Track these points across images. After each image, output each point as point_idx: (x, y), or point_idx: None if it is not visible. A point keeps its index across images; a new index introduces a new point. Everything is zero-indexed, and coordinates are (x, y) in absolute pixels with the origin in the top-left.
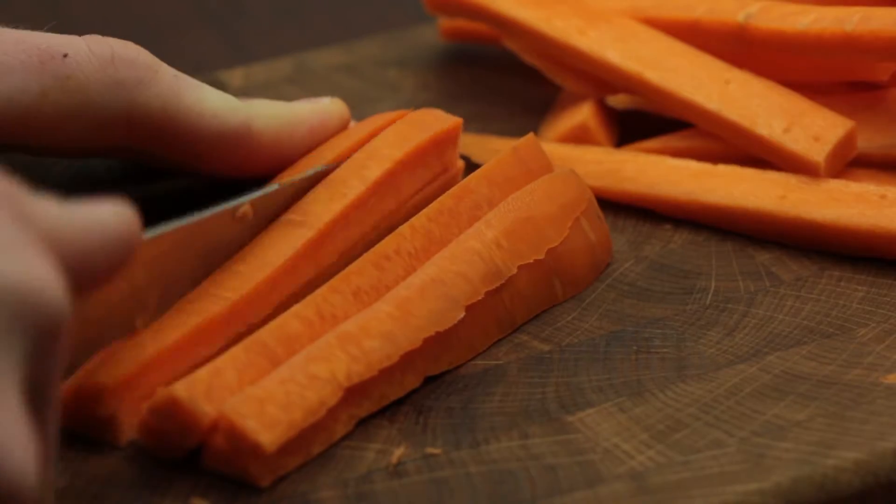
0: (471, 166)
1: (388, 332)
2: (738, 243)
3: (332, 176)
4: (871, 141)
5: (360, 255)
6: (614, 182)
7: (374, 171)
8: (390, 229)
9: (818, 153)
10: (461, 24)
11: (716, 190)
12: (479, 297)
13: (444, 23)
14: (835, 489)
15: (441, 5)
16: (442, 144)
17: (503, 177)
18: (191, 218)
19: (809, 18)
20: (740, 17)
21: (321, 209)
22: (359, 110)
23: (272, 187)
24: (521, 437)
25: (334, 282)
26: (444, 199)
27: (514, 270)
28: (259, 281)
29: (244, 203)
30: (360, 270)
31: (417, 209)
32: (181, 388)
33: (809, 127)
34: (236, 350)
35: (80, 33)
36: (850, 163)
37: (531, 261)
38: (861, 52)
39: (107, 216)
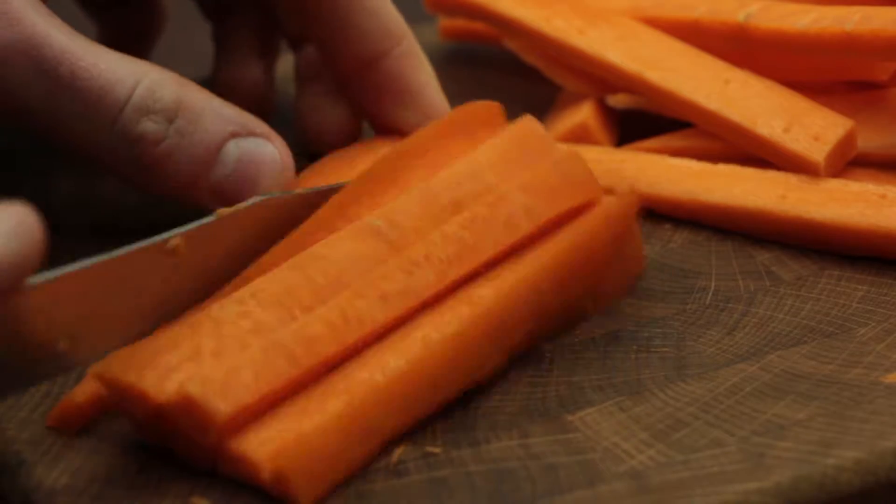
0: None
1: (438, 377)
2: (738, 243)
3: (425, 190)
4: (871, 141)
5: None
6: (614, 182)
7: (470, 196)
8: None
9: (818, 153)
10: (461, 23)
11: (716, 190)
12: (527, 345)
13: (444, 22)
14: (835, 488)
15: (441, 4)
16: None
17: (542, 186)
18: (115, 252)
19: (809, 18)
20: (740, 16)
21: (410, 229)
22: None
23: (207, 218)
24: (521, 436)
25: (360, 286)
26: (477, 208)
27: (559, 309)
28: (332, 295)
29: (175, 236)
30: (388, 275)
31: None
32: (194, 385)
33: (809, 127)
34: (254, 350)
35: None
36: (850, 162)
37: (573, 299)
38: (861, 52)
39: None
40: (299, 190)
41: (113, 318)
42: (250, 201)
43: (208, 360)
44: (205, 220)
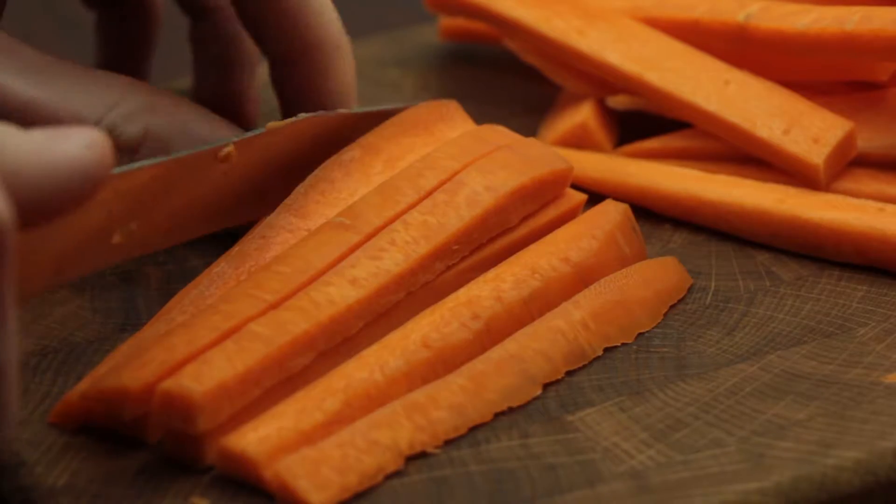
0: None
1: (457, 404)
2: (737, 243)
3: (386, 183)
4: (871, 141)
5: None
6: (614, 179)
7: (430, 181)
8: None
9: (817, 155)
10: (461, 23)
11: (715, 189)
12: (559, 377)
13: (444, 22)
14: (835, 488)
15: (441, 4)
16: None
17: (501, 164)
18: (171, 155)
19: (809, 18)
20: (740, 16)
21: (372, 215)
22: None
23: (258, 130)
24: (521, 436)
25: (328, 276)
26: (437, 195)
27: (600, 352)
28: (300, 283)
29: (228, 144)
30: (355, 263)
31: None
32: (167, 382)
33: (809, 128)
34: (226, 339)
35: (80, 34)
36: (850, 163)
37: (619, 344)
38: (861, 52)
39: (73, 150)
40: (344, 110)
41: (165, 218)
42: (298, 117)
43: (181, 351)
44: (255, 132)
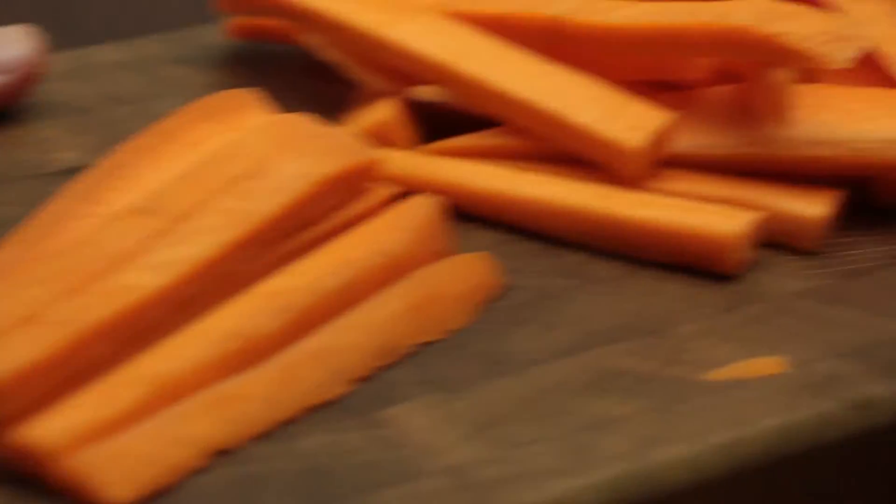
0: None
1: (267, 397)
2: (551, 241)
3: (190, 168)
4: (684, 141)
5: None
6: (421, 176)
7: (236, 168)
8: None
9: (635, 140)
10: (248, 21)
11: (524, 186)
12: (372, 371)
13: (232, 20)
14: (659, 484)
15: (234, 4)
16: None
17: (311, 152)
18: None
19: (622, 13)
20: (553, 11)
21: (175, 200)
22: (144, 107)
23: None
24: (333, 431)
25: (129, 262)
26: (243, 182)
27: (414, 347)
28: (98, 270)
29: None
30: (158, 250)
31: None
32: None
33: (626, 117)
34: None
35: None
36: (663, 164)
37: (434, 339)
38: (660, 47)
39: None
40: None
41: None
42: None
43: None
44: None
